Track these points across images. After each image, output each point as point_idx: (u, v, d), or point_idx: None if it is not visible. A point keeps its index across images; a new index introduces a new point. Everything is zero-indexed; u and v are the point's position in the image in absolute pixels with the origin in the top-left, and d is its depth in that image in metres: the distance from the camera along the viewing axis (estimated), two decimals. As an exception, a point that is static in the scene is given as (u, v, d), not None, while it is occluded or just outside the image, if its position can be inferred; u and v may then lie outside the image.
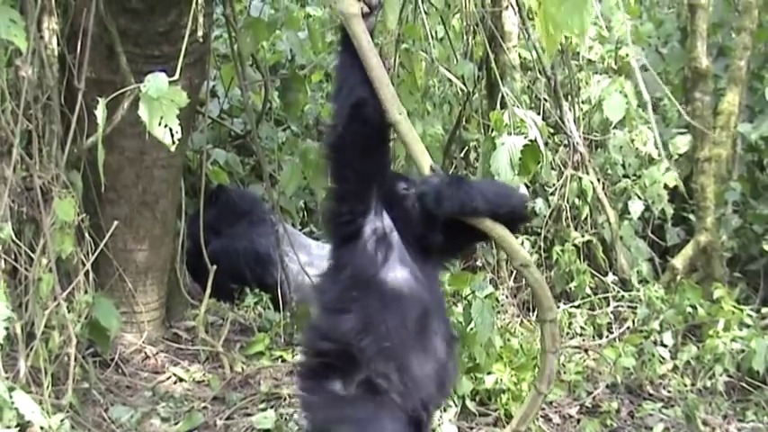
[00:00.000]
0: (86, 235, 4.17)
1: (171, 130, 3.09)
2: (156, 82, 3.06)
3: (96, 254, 4.17)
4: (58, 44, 4.20)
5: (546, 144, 4.62)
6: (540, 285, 3.31)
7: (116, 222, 4.29)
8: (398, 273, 3.24)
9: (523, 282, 5.90)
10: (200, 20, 3.54)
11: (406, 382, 3.17)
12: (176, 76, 3.09)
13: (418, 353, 3.20)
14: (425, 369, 3.21)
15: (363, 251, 3.26)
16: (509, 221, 3.21)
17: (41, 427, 3.53)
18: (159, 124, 3.08)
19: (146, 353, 4.76)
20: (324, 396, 3.21)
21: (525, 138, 3.85)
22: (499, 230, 3.31)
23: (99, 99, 3.30)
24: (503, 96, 4.27)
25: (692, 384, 5.09)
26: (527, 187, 6.07)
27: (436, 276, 3.38)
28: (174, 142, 3.11)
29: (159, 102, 3.06)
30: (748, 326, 5.21)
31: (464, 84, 5.85)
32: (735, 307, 5.26)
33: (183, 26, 3.51)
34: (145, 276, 4.80)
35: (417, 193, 3.16)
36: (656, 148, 6.08)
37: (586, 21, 3.25)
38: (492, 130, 4.25)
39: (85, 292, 4.09)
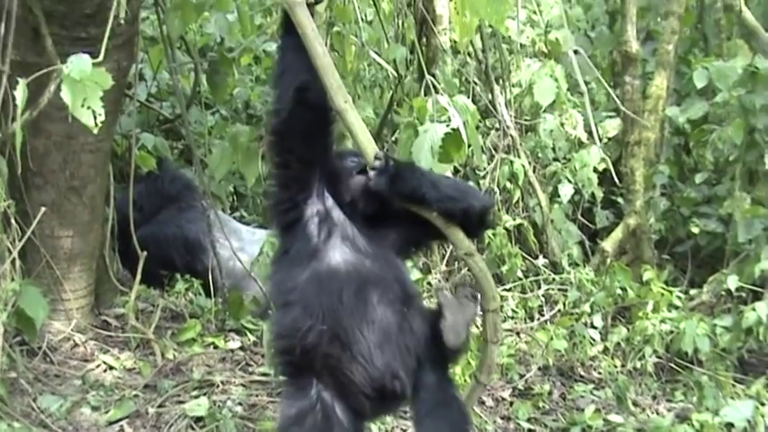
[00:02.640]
0: (13, 221, 4.09)
1: (94, 112, 3.03)
2: (79, 63, 3.00)
3: (23, 241, 4.09)
4: (-19, 26, 4.11)
5: (477, 128, 4.62)
6: (483, 275, 3.30)
7: (43, 208, 4.21)
8: (338, 250, 3.24)
9: (456, 266, 5.93)
10: (124, 2, 3.48)
11: (355, 358, 3.16)
12: (101, 58, 3.04)
13: (362, 326, 3.19)
14: (375, 339, 3.19)
15: (305, 232, 3.26)
16: (466, 223, 3.20)
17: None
18: (82, 106, 3.02)
19: (75, 341, 4.69)
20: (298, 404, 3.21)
21: (448, 126, 3.84)
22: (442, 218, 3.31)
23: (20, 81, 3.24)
24: (429, 82, 4.26)
25: (623, 366, 5.15)
26: (456, 171, 6.09)
27: (388, 244, 3.35)
28: (97, 125, 3.05)
29: (82, 84, 3.00)
30: (677, 307, 5.28)
31: (396, 68, 5.83)
32: (663, 289, 5.32)
33: (109, 8, 3.44)
34: (73, 263, 4.73)
35: (374, 173, 3.14)
36: (588, 132, 6.11)
37: (504, 9, 3.25)
38: (415, 117, 4.25)
39: (12, 279, 4.01)
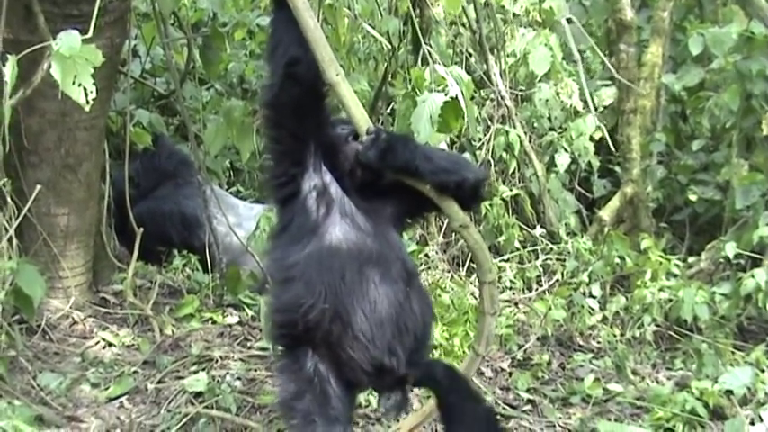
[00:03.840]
0: (9, 200, 4.09)
1: (85, 89, 3.02)
2: (69, 40, 2.98)
3: (19, 219, 4.09)
4: (-27, 4, 4.09)
5: (472, 98, 4.61)
6: (479, 247, 3.29)
7: (39, 186, 4.20)
8: (338, 226, 3.24)
9: (453, 237, 5.93)
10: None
11: (357, 336, 3.17)
12: (91, 34, 3.02)
13: (364, 305, 3.19)
14: (376, 318, 3.20)
15: (303, 207, 3.26)
16: (460, 196, 3.19)
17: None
18: (73, 83, 3.01)
19: (73, 318, 4.70)
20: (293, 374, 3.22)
21: (446, 95, 3.83)
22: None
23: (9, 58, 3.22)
24: (425, 52, 4.24)
25: (621, 335, 5.15)
26: (452, 143, 6.08)
27: (387, 219, 3.35)
28: (88, 102, 3.04)
29: (72, 60, 2.99)
30: (675, 275, 5.28)
31: (389, 40, 5.81)
32: (662, 257, 5.32)
33: (101, -15, 3.43)
34: (70, 241, 4.72)
35: (362, 146, 3.14)
36: (583, 100, 6.09)
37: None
38: (412, 88, 4.23)
39: (9, 258, 4.01)
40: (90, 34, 3.02)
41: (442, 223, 6.03)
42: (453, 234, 5.92)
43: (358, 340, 3.19)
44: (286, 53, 3.20)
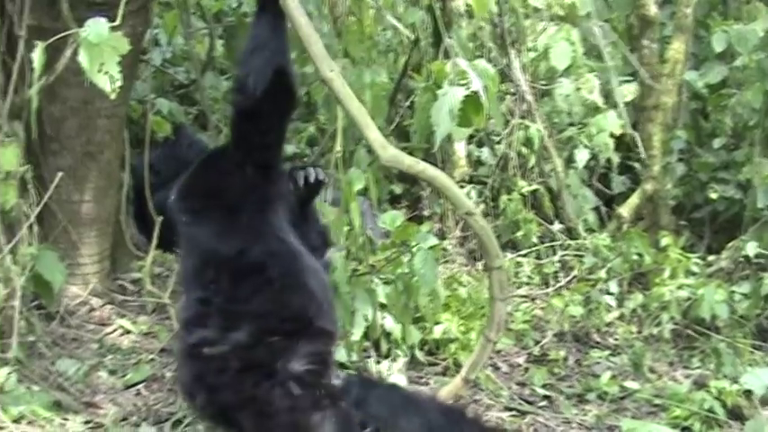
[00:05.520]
0: (30, 186, 4.10)
1: (111, 77, 3.02)
2: (96, 27, 2.99)
3: (40, 206, 4.10)
4: (-2, -10, 4.10)
5: (498, 92, 4.59)
6: (485, 233, 3.31)
7: (60, 174, 4.21)
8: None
9: (470, 231, 5.91)
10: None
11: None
12: (118, 22, 3.03)
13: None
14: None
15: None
16: None
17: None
18: (99, 71, 3.02)
19: (91, 305, 4.71)
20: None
21: (467, 89, 3.82)
22: (442, 180, 3.32)
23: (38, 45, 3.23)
24: (447, 46, 4.23)
25: (639, 332, 5.15)
26: (471, 137, 6.07)
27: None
28: (114, 90, 3.04)
29: (99, 48, 2.99)
30: (694, 274, 5.26)
31: (414, 32, 5.80)
32: (681, 255, 5.30)
33: (125, -27, 3.43)
34: (90, 228, 4.73)
35: None
36: (605, 96, 6.07)
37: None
38: (432, 81, 4.23)
39: (30, 244, 4.02)
40: (118, 22, 3.03)
41: (460, 217, 6.02)
42: (470, 228, 5.91)
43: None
44: (272, 60, 3.21)
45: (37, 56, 3.17)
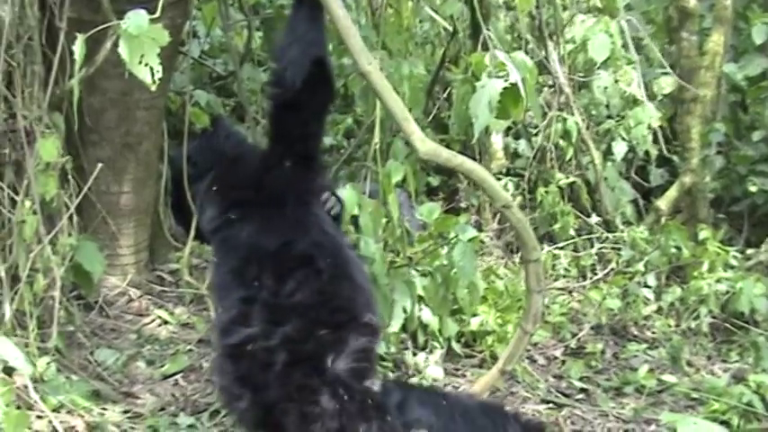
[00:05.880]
0: (70, 177, 4.13)
1: (152, 69, 3.04)
2: (137, 19, 3.00)
3: (80, 197, 4.12)
4: (39, -17, 4.12)
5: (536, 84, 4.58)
6: (522, 226, 3.31)
7: (99, 165, 4.22)
8: None
9: (507, 224, 5.91)
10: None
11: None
12: (158, 14, 3.04)
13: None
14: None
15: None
16: None
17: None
18: (140, 63, 3.03)
19: (130, 296, 4.74)
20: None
21: (506, 81, 3.82)
22: (480, 172, 3.32)
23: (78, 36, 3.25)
24: (485, 37, 4.23)
25: (677, 325, 5.12)
26: (509, 129, 6.06)
27: None
28: (154, 82, 3.06)
29: (140, 40, 3.01)
30: (733, 267, 5.23)
31: (452, 24, 5.80)
32: (719, 248, 5.27)
33: (165, -35, 3.44)
34: (128, 219, 4.77)
35: None
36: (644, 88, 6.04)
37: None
38: (471, 73, 4.22)
39: (69, 234, 4.05)
40: (158, 14, 3.04)
41: (497, 210, 6.02)
42: (507, 221, 5.91)
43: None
44: (309, 52, 3.23)
45: (77, 47, 3.18)
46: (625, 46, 6.11)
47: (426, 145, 3.35)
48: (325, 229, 3.34)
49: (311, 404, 2.94)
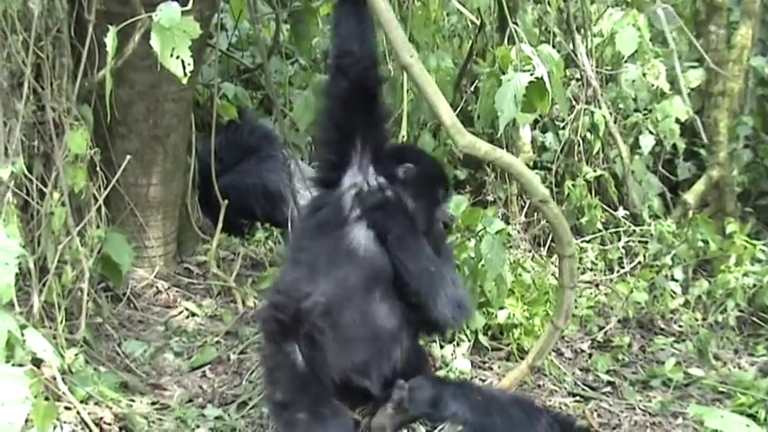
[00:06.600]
0: (98, 169, 4.15)
1: (183, 61, 3.05)
2: (169, 12, 3.02)
3: (108, 189, 4.14)
4: (68, -25, 4.14)
5: (563, 77, 4.57)
6: (559, 221, 3.31)
7: (128, 157, 4.24)
8: (362, 232, 3.28)
9: (535, 217, 5.91)
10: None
11: (338, 340, 3.20)
12: (190, 6, 3.06)
13: (354, 314, 3.25)
14: (364, 332, 3.23)
15: (339, 200, 3.32)
16: None
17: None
18: (171, 55, 3.04)
19: (157, 287, 4.76)
20: (285, 370, 3.25)
21: (531, 75, 3.81)
22: (518, 166, 3.31)
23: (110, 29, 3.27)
24: (512, 31, 4.22)
25: (704, 319, 5.10)
26: (536, 123, 6.04)
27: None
28: (185, 74, 3.07)
29: (171, 32, 3.02)
30: (760, 261, 5.20)
31: (479, 17, 5.78)
32: (747, 242, 5.24)
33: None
34: (156, 211, 4.79)
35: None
36: (670, 81, 6.00)
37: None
38: (497, 66, 4.22)
39: (98, 226, 4.07)
40: (189, 6, 3.05)
41: (524, 202, 6.02)
42: (535, 213, 5.90)
43: (338, 345, 3.21)
44: (339, 45, 3.25)
45: (110, 39, 3.20)
46: (654, 38, 6.08)
47: (465, 138, 3.35)
48: None
49: None
